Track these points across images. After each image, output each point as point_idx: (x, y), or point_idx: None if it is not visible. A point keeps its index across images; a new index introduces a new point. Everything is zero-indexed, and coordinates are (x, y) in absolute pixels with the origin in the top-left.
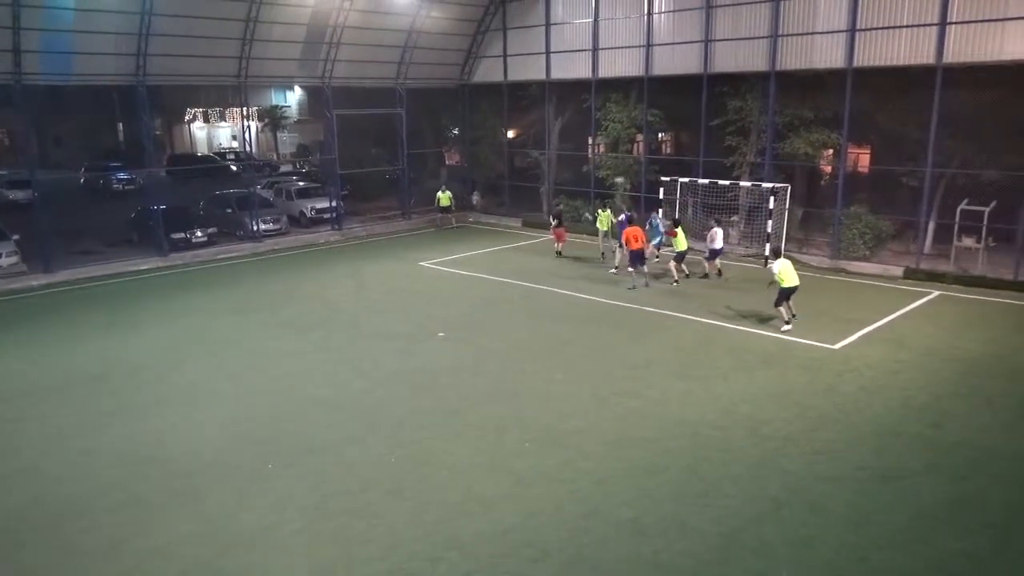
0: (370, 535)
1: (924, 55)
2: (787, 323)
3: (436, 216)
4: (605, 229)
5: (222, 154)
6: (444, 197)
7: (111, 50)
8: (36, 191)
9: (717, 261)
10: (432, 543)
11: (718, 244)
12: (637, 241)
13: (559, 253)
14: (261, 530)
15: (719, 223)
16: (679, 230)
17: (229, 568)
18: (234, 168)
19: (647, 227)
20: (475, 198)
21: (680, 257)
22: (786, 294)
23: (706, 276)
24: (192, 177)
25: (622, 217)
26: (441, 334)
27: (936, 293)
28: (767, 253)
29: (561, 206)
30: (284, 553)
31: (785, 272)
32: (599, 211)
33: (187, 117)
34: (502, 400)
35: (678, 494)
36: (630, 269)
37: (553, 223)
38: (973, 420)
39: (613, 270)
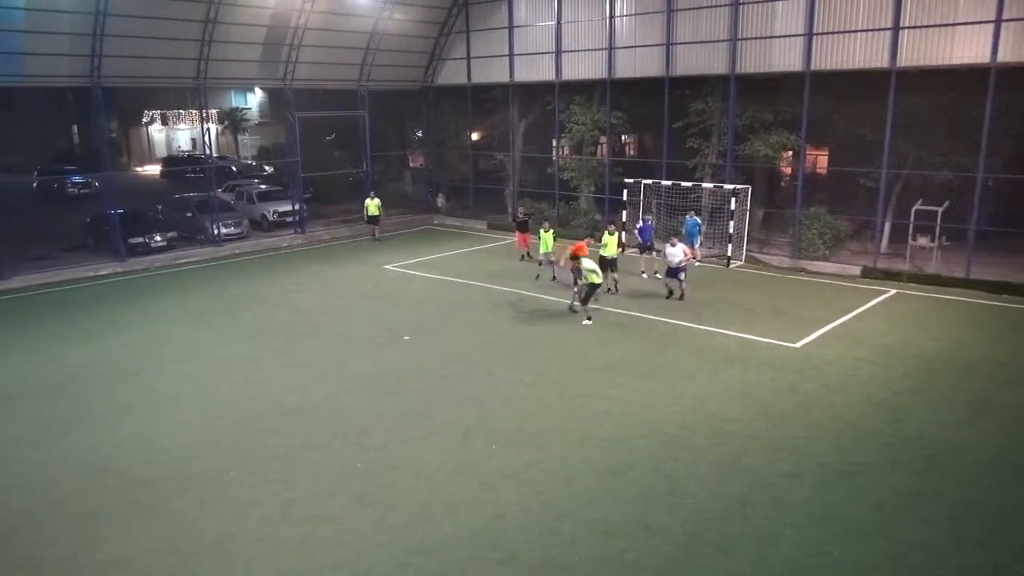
0: (336, 541)
1: (879, 59)
2: (589, 319)
3: (374, 228)
4: (546, 250)
5: (181, 157)
6: (372, 205)
7: (65, 51)
8: None
9: (682, 280)
10: (399, 548)
11: (676, 259)
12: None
13: (527, 256)
14: (224, 538)
15: (678, 237)
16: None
17: None
18: (234, 168)
19: (682, 231)
20: (440, 201)
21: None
22: (594, 289)
23: (670, 295)
24: (184, 177)
25: (647, 222)
26: (406, 337)
27: (893, 291)
28: (728, 253)
29: (522, 212)
30: (248, 561)
31: (593, 270)
32: (542, 231)
33: (145, 119)
34: (468, 403)
35: (644, 494)
36: (659, 276)
37: (518, 229)
38: (930, 415)
39: (644, 275)
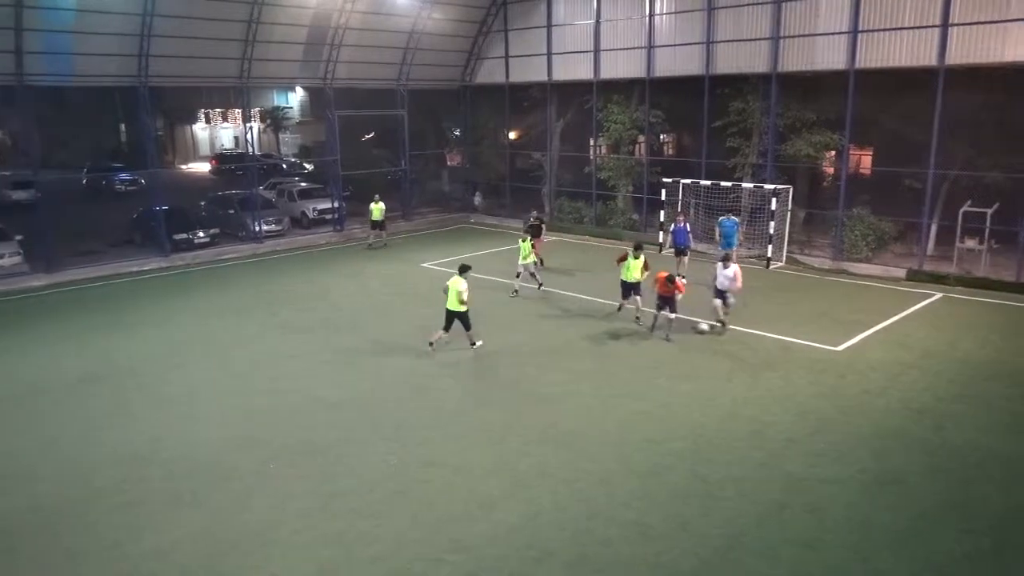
0: (372, 536)
1: (926, 57)
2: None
3: (370, 232)
4: (525, 261)
5: (232, 154)
6: (376, 209)
7: (113, 51)
8: (39, 192)
9: (729, 304)
10: (435, 544)
11: (728, 281)
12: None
13: (541, 262)
14: (262, 531)
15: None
16: (525, 243)
17: (229, 569)
18: (284, 166)
19: (717, 234)
20: (477, 199)
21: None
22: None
23: (718, 325)
24: (235, 174)
25: (680, 224)
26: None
27: (939, 295)
28: (768, 255)
29: (534, 217)
30: (285, 554)
31: (452, 292)
32: (521, 241)
33: (189, 118)
34: (505, 401)
35: (681, 496)
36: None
37: (531, 235)
38: (975, 423)
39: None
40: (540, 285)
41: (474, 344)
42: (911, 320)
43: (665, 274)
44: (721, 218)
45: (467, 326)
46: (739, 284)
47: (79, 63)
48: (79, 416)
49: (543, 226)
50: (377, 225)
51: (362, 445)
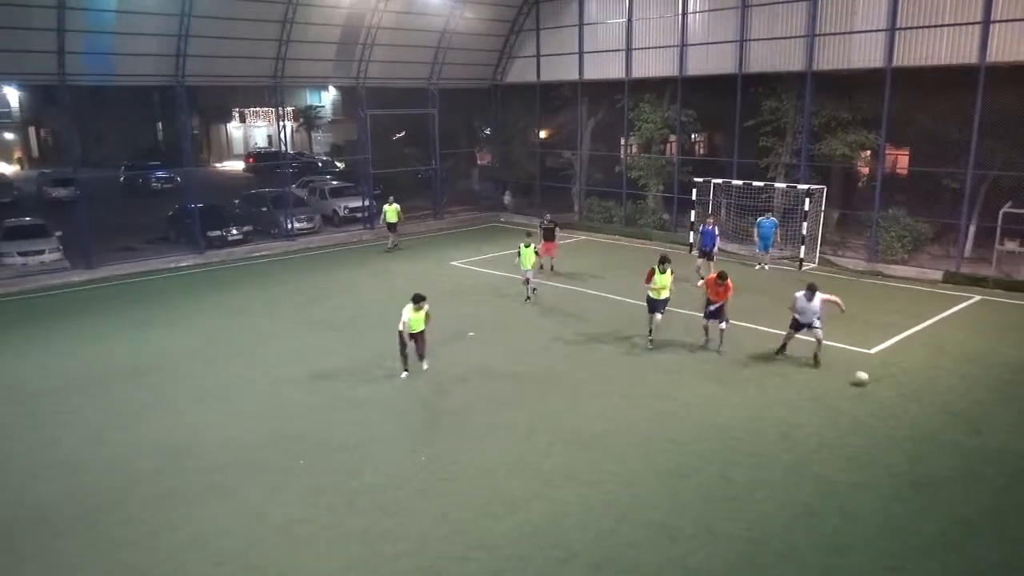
0: (398, 533)
1: (967, 54)
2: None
3: (388, 236)
4: (527, 267)
5: (267, 152)
6: (391, 211)
7: (152, 51)
8: (78, 189)
9: (818, 329)
10: (460, 542)
11: (813, 314)
12: (718, 294)
13: (551, 267)
14: (292, 524)
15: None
16: (527, 248)
17: (261, 561)
18: (319, 164)
19: (756, 234)
20: (507, 198)
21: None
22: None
23: (782, 350)
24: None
25: (708, 226)
26: (471, 334)
27: (977, 298)
28: (801, 255)
29: (548, 219)
30: (314, 548)
31: (415, 321)
32: (522, 246)
33: (224, 117)
34: (531, 400)
35: (708, 498)
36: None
37: (544, 238)
38: (1014, 428)
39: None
40: (528, 298)
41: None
42: (947, 323)
43: (715, 275)
44: (760, 218)
45: (404, 350)
46: (836, 301)
47: (118, 63)
48: (119, 408)
49: (557, 229)
50: (392, 227)
51: (388, 443)
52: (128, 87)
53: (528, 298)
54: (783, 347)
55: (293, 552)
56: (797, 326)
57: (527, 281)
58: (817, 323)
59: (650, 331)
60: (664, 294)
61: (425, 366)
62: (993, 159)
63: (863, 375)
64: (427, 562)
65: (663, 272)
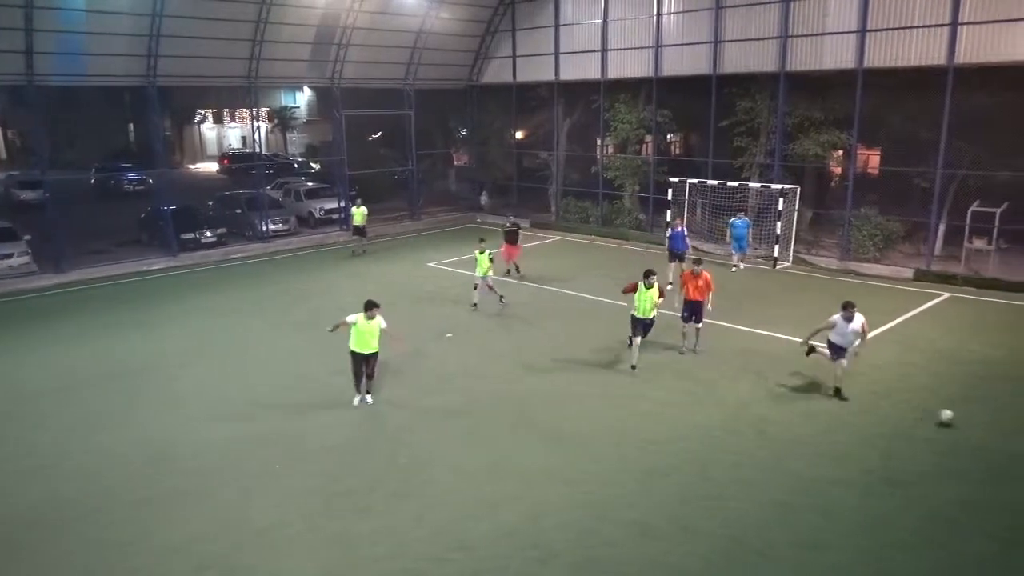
0: (377, 535)
1: (935, 56)
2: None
3: (353, 239)
4: (481, 274)
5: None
6: (358, 214)
7: (122, 51)
8: (47, 191)
9: (848, 359)
10: (438, 544)
11: (850, 338)
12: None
13: (515, 270)
14: (269, 529)
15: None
16: (482, 255)
17: (242, 564)
18: (295, 165)
19: (728, 235)
20: (483, 199)
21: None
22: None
23: (838, 393)
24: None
25: (678, 228)
26: (449, 335)
27: (947, 295)
28: (775, 255)
29: (510, 222)
30: (291, 552)
31: (356, 334)
32: (477, 253)
33: (197, 118)
34: (509, 401)
35: (686, 496)
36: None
37: (506, 240)
38: (985, 424)
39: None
40: (474, 305)
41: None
42: (919, 320)
43: (688, 271)
44: (732, 219)
45: (357, 375)
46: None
47: (88, 63)
48: (90, 415)
49: (520, 231)
50: (359, 231)
51: (366, 445)
52: (99, 87)
53: (475, 304)
54: (837, 390)
55: (273, 555)
56: (837, 351)
57: (476, 287)
58: (856, 344)
59: (633, 359)
60: (651, 314)
61: (370, 399)
62: (961, 159)
63: (947, 413)
64: (406, 564)
65: (649, 287)
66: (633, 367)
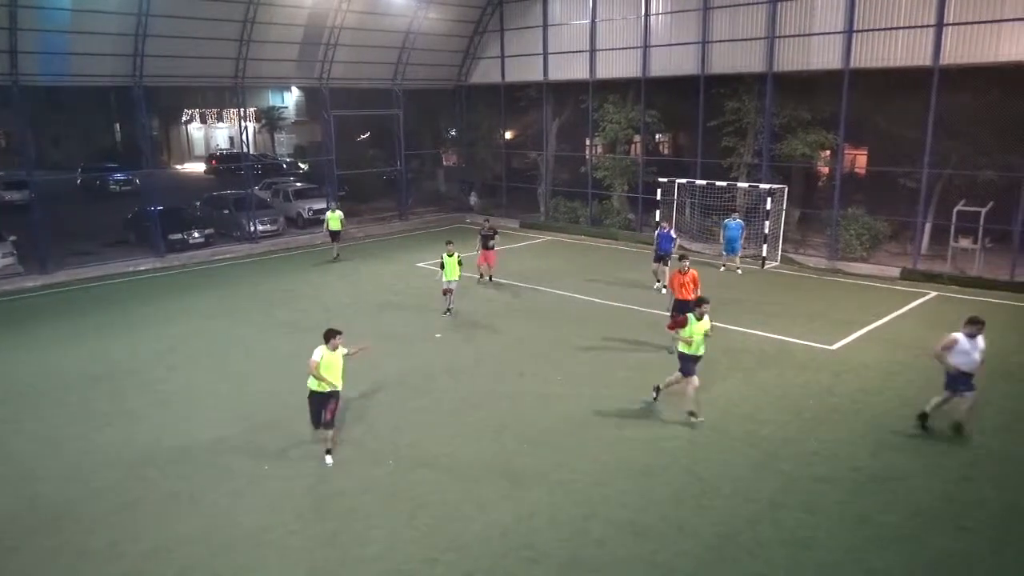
0: (367, 537)
1: (921, 56)
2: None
3: (331, 246)
4: (452, 278)
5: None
6: (333, 218)
7: (108, 51)
8: (33, 192)
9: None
10: (429, 545)
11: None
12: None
13: (489, 278)
14: (258, 531)
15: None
16: (451, 257)
17: (226, 569)
18: (283, 165)
19: (722, 236)
20: (472, 199)
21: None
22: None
23: (960, 429)
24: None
25: (664, 229)
26: (438, 335)
27: (933, 294)
28: (763, 254)
29: (487, 226)
30: (281, 554)
31: (326, 366)
32: (445, 256)
33: (184, 118)
34: (500, 401)
35: (676, 495)
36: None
37: (480, 245)
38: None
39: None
40: (448, 311)
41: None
42: (906, 319)
43: (676, 271)
44: (726, 220)
45: (316, 419)
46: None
47: (74, 63)
48: (78, 416)
49: (496, 236)
50: (335, 236)
51: (356, 446)
52: (85, 87)
53: (448, 311)
54: (926, 416)
55: (260, 559)
56: (963, 382)
57: (445, 292)
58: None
59: (691, 413)
60: (702, 349)
61: (330, 460)
62: (947, 159)
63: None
64: (397, 565)
65: (700, 318)
66: (693, 415)
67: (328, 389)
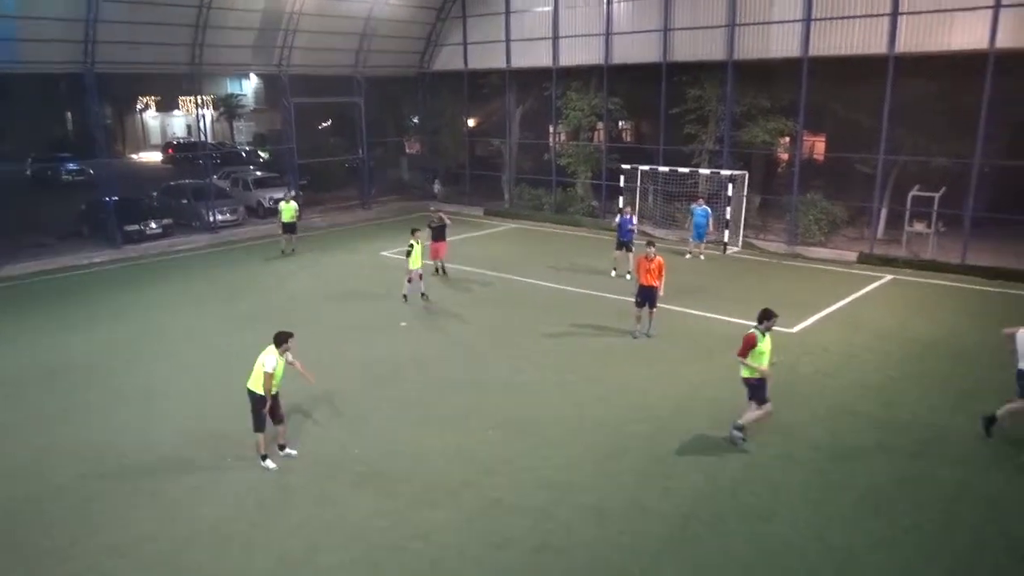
0: (333, 526)
1: (877, 44)
2: None
3: (281, 236)
4: (416, 266)
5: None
6: (288, 209)
7: (57, 37)
8: None
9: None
10: (396, 533)
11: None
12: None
13: (442, 269)
14: (221, 523)
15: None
16: (418, 244)
17: (190, 563)
18: (243, 154)
19: (689, 220)
20: (436, 187)
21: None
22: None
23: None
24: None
25: (626, 215)
26: (403, 323)
27: (889, 277)
28: (725, 240)
29: (438, 217)
30: (245, 545)
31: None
32: (413, 242)
33: (139, 106)
34: (466, 389)
35: (640, 477)
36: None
37: (432, 238)
38: (923, 400)
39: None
40: (405, 296)
41: (260, 458)
42: (862, 302)
43: (642, 256)
44: (693, 206)
45: (254, 423)
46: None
47: (22, 49)
48: (33, 413)
49: (447, 227)
50: (289, 228)
51: (321, 436)
52: (33, 75)
53: (423, 295)
54: (992, 420)
55: (223, 551)
56: None
57: (411, 280)
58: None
59: (739, 432)
60: (767, 368)
61: (294, 452)
62: (902, 145)
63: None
64: (363, 553)
65: (766, 332)
66: (741, 431)
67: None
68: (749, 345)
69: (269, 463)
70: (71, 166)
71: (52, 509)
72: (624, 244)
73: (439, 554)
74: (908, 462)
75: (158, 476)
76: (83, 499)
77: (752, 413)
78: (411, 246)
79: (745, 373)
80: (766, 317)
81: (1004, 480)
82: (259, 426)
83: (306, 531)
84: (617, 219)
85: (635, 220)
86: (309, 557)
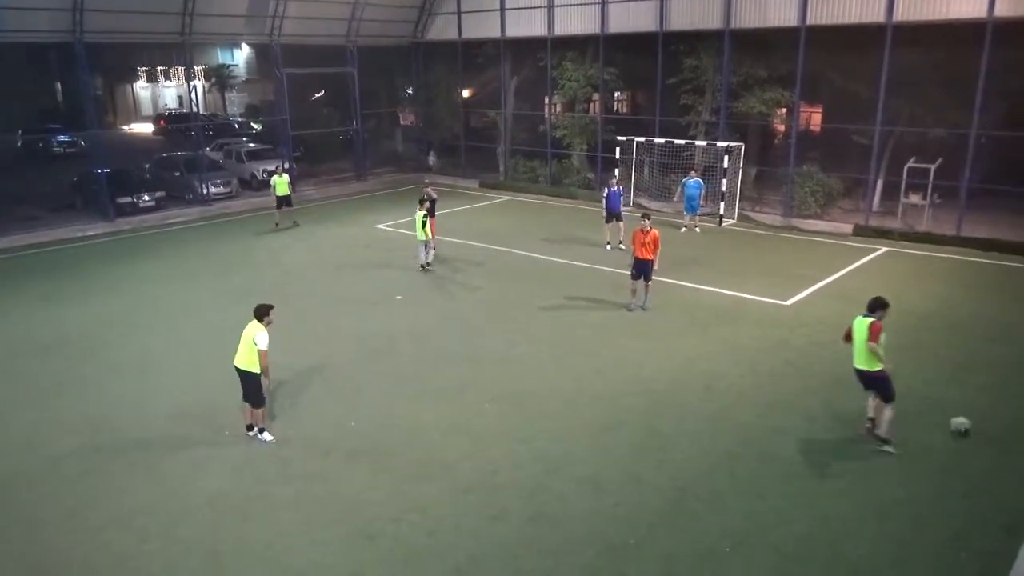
0: (330, 499)
1: (875, 13)
2: None
3: (276, 211)
4: (424, 239)
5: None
6: (281, 183)
7: (44, 5)
8: None
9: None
10: (392, 505)
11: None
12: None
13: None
14: (218, 497)
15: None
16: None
17: (187, 535)
18: (236, 126)
19: (678, 193)
20: (431, 159)
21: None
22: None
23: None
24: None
25: (613, 187)
26: (399, 297)
27: (884, 249)
28: (721, 212)
29: (426, 193)
30: (242, 519)
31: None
32: (420, 214)
33: (130, 77)
34: (461, 362)
35: (635, 450)
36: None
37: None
38: (918, 372)
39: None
40: (424, 265)
41: (258, 432)
42: (858, 274)
43: (637, 229)
44: (684, 179)
45: (255, 399)
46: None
47: (8, 17)
48: (30, 387)
49: (435, 203)
50: (283, 201)
51: (317, 409)
52: (20, 44)
53: (426, 265)
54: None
55: (220, 525)
56: None
57: (426, 246)
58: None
59: (875, 434)
60: (874, 365)
61: (269, 436)
62: (899, 116)
63: (960, 421)
64: (360, 526)
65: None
66: (886, 442)
67: (249, 369)
68: (878, 331)
69: (267, 435)
70: (62, 138)
71: (50, 482)
72: (615, 215)
73: (435, 526)
74: (903, 433)
75: (154, 449)
76: (79, 472)
77: (887, 414)
78: (426, 215)
79: (870, 366)
80: (880, 307)
81: (997, 452)
82: (260, 401)
83: (302, 504)
84: (605, 191)
85: (621, 191)
86: (306, 530)
